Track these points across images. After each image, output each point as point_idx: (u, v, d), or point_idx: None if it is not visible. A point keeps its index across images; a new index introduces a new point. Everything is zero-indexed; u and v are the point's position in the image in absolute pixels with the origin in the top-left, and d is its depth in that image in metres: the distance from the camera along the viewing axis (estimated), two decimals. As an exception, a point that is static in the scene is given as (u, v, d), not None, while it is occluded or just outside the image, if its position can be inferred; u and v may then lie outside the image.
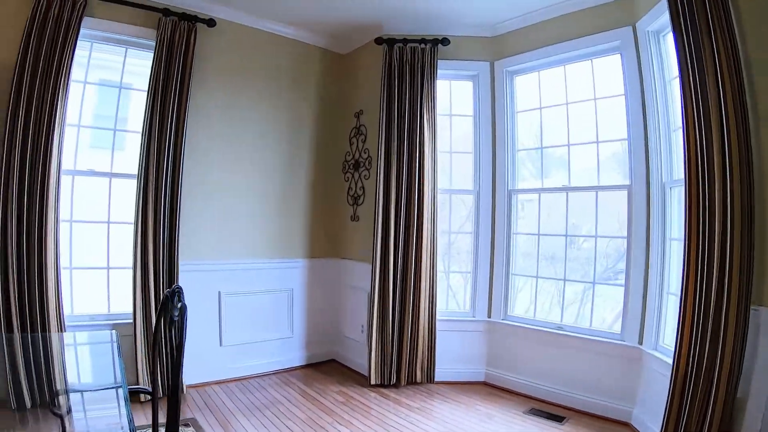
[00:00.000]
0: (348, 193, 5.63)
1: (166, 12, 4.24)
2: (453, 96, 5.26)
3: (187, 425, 3.76)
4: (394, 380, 4.81)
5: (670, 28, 3.26)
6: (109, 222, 4.36)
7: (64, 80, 3.74)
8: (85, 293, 4.28)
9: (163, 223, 4.22)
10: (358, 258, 5.41)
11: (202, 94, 4.64)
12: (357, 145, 5.52)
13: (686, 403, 3.03)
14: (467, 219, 5.27)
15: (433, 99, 4.85)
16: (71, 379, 3.22)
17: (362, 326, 5.24)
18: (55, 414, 2.62)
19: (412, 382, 4.85)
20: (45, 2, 3.67)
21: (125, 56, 4.39)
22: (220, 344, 4.85)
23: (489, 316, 4.99)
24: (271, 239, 5.22)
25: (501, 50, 4.96)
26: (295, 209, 5.40)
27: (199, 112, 4.63)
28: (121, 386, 2.36)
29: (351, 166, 5.59)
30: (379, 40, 4.95)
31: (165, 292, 2.26)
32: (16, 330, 3.55)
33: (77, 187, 4.18)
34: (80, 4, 3.80)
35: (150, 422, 3.60)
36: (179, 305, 2.11)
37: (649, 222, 3.94)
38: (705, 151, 3.01)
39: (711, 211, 2.99)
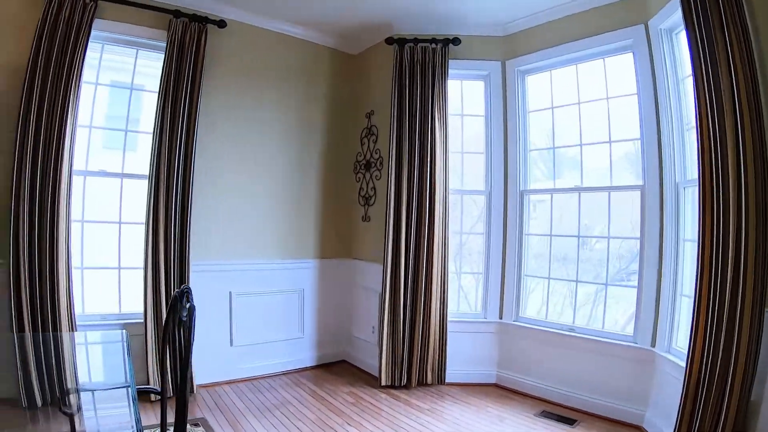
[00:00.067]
0: (359, 193, 5.62)
1: (176, 13, 4.26)
2: (464, 96, 5.22)
3: (196, 425, 3.77)
4: (404, 381, 4.79)
5: (682, 25, 3.22)
6: (120, 222, 4.39)
7: (76, 82, 3.77)
8: (96, 293, 4.31)
9: (174, 223, 4.23)
10: (369, 258, 5.40)
11: (213, 95, 4.66)
12: (368, 146, 5.51)
13: (699, 407, 2.99)
14: (479, 219, 5.24)
15: (444, 99, 4.83)
16: (82, 378, 3.24)
17: (373, 327, 5.23)
18: (64, 413, 2.64)
19: (422, 383, 4.83)
20: (56, 4, 3.70)
21: (136, 57, 4.42)
22: (231, 344, 4.86)
23: (500, 318, 4.95)
24: (283, 239, 5.22)
25: (512, 49, 4.92)
26: (306, 210, 5.41)
27: (210, 112, 4.64)
28: (129, 386, 2.37)
29: (362, 167, 5.58)
30: (389, 40, 4.93)
31: (174, 292, 2.27)
32: (27, 329, 3.59)
33: (89, 188, 4.22)
34: (91, 6, 3.83)
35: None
36: (188, 306, 2.11)
37: (663, 223, 3.89)
38: (719, 150, 2.97)
39: (725, 211, 2.95)
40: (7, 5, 3.75)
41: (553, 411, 4.26)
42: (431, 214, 4.77)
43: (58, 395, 3.13)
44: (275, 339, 5.14)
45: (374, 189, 5.38)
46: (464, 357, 4.96)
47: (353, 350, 5.62)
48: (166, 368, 4.12)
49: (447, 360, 4.82)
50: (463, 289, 5.36)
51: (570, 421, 4.04)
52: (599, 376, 4.18)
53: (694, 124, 3.21)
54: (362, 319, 5.49)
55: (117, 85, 4.56)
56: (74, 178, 3.85)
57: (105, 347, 3.58)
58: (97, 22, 3.91)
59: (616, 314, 4.43)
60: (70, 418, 2.55)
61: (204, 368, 4.56)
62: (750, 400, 2.86)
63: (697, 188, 3.15)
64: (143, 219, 4.18)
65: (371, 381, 4.97)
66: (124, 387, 2.46)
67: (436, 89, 4.79)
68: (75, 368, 3.31)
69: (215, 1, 4.57)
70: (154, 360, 4.14)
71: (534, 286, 4.99)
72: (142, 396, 4.06)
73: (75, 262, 3.95)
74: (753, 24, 2.89)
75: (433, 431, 3.84)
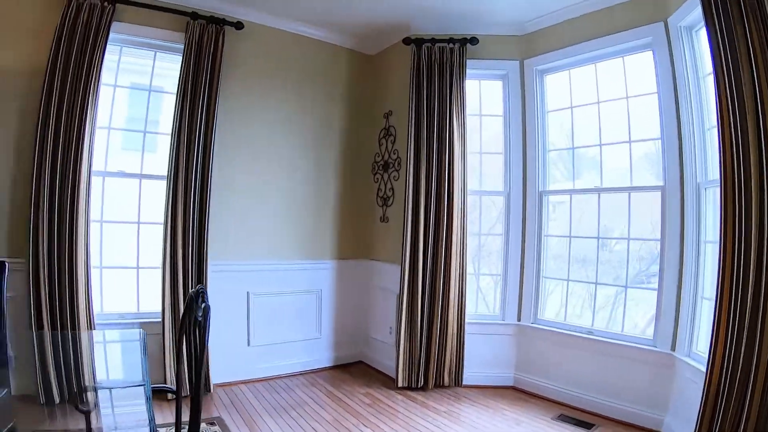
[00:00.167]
0: (377, 194, 5.62)
1: (194, 15, 4.30)
2: (482, 96, 5.18)
3: (213, 424, 3.79)
4: (421, 383, 4.76)
5: (702, 22, 3.16)
6: (139, 222, 4.44)
7: (94, 84, 3.82)
8: (115, 292, 4.37)
9: (192, 223, 4.27)
10: (387, 259, 5.39)
11: (230, 96, 4.68)
12: (386, 146, 5.50)
13: (719, 412, 2.91)
14: (497, 220, 5.20)
15: (462, 99, 4.79)
16: (100, 376, 3.28)
17: (390, 328, 5.21)
18: (80, 411, 2.67)
19: (439, 385, 4.80)
20: (74, 8, 3.76)
21: (154, 59, 4.47)
22: (248, 344, 4.88)
23: (519, 320, 4.90)
24: (300, 240, 5.24)
25: (530, 49, 4.87)
26: (324, 210, 5.41)
27: (227, 113, 4.68)
28: (144, 384, 2.39)
29: (380, 167, 5.58)
30: (407, 41, 4.92)
31: (190, 292, 2.29)
32: (46, 327, 3.64)
33: (108, 188, 4.27)
34: (109, 10, 3.89)
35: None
36: (203, 306, 2.13)
37: (684, 224, 3.81)
38: (741, 150, 2.89)
39: (747, 212, 2.87)
40: (26, 10, 3.83)
41: (571, 415, 4.21)
42: (449, 214, 4.74)
43: (75, 392, 3.18)
44: (292, 339, 5.16)
45: (392, 190, 5.36)
46: (482, 359, 4.92)
47: (370, 351, 5.61)
48: (182, 367, 4.15)
49: (464, 362, 4.78)
50: (482, 290, 5.32)
51: (588, 426, 3.98)
52: (618, 380, 4.11)
53: (715, 123, 3.14)
54: (379, 320, 5.48)
55: (136, 87, 4.62)
56: (93, 178, 3.92)
57: (123, 345, 3.63)
58: (115, 25, 3.97)
59: (636, 317, 4.36)
60: (86, 415, 2.58)
61: (221, 368, 4.59)
62: (772, 406, 2.79)
63: (718, 189, 3.08)
64: (161, 219, 4.23)
65: (388, 382, 4.96)
66: (139, 386, 2.49)
67: (454, 89, 4.76)
68: (93, 366, 3.36)
69: (232, 3, 4.60)
70: (172, 359, 4.18)
71: (553, 288, 4.93)
72: (160, 394, 4.10)
73: (94, 261, 4.00)
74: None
75: (448, 433, 3.82)
